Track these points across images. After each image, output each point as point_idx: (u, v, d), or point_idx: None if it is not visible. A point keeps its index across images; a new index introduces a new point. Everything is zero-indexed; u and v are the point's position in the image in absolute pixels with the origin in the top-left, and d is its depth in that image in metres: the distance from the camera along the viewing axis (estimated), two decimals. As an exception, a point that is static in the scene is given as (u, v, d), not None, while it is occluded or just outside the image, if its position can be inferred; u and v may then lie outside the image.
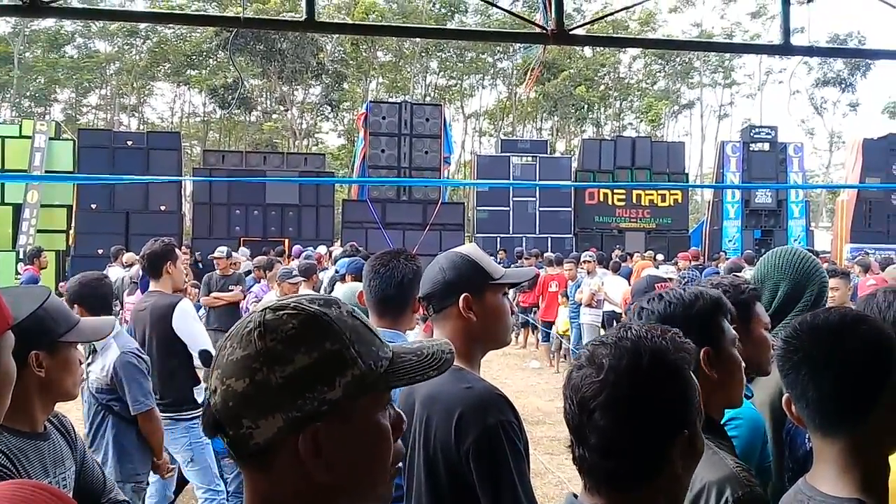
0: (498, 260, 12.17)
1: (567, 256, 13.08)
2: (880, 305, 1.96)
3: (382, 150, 19.47)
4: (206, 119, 44.86)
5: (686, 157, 24.40)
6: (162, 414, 4.46)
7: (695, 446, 1.22)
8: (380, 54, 41.68)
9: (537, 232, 20.33)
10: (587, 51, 41.90)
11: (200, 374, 4.73)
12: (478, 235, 20.01)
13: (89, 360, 3.78)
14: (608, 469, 1.20)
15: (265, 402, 0.92)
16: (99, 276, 4.01)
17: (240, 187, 18.57)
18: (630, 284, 9.81)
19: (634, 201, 21.23)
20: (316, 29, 5.40)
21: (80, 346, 2.03)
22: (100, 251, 15.87)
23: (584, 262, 11.44)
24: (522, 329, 14.36)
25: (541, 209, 20.59)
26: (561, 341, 11.95)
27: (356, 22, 26.30)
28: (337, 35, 34.43)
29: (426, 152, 19.66)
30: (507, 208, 20.53)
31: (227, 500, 4.71)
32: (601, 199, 21.09)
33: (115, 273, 11.22)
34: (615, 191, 21.03)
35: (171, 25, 37.81)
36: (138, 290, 8.48)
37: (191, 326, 4.55)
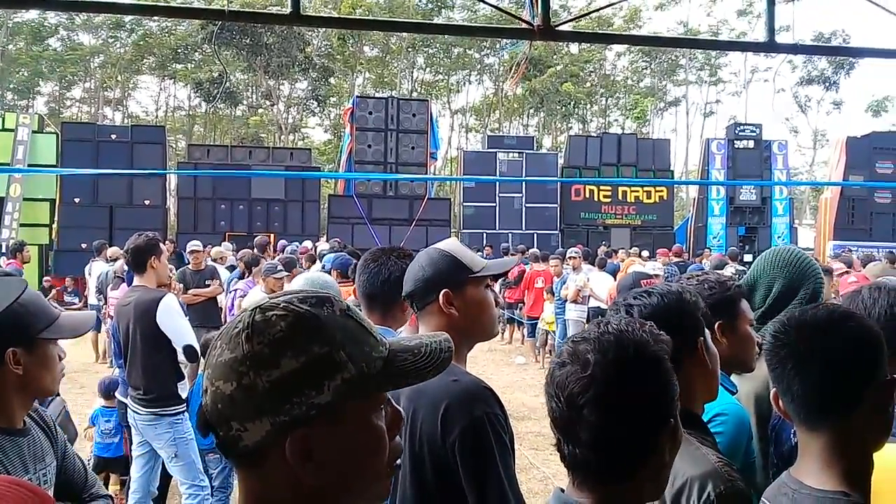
0: (484, 256, 12.17)
1: (553, 252, 13.11)
2: (865, 302, 1.96)
3: (369, 146, 19.44)
4: (191, 113, 44.61)
5: (672, 154, 24.53)
6: (146, 409, 4.45)
7: (678, 434, 1.24)
8: (366, 49, 41.57)
9: (523, 228, 20.37)
10: (573, 47, 41.95)
11: (185, 369, 4.71)
12: (464, 231, 20.04)
13: None
14: (599, 464, 1.20)
15: (252, 406, 0.90)
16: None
17: (225, 182, 18.49)
18: (616, 281, 9.84)
19: (620, 198, 21.32)
20: (302, 22, 5.37)
21: (59, 341, 1.99)
22: (83, 245, 15.78)
23: (570, 258, 11.47)
24: (508, 325, 14.37)
25: (527, 205, 20.63)
26: (546, 337, 11.98)
27: (342, 16, 26.21)
28: (323, 29, 34.32)
29: (413, 148, 19.66)
30: (494, 204, 20.55)
31: (212, 496, 4.69)
32: (587, 195, 21.17)
33: (98, 268, 11.16)
34: (601, 187, 21.12)
35: (155, 18, 37.49)
36: (123, 285, 8.42)
37: (175, 322, 4.51)
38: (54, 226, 18.23)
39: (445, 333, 1.07)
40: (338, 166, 23.53)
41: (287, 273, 6.83)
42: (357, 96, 22.12)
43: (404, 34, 36.22)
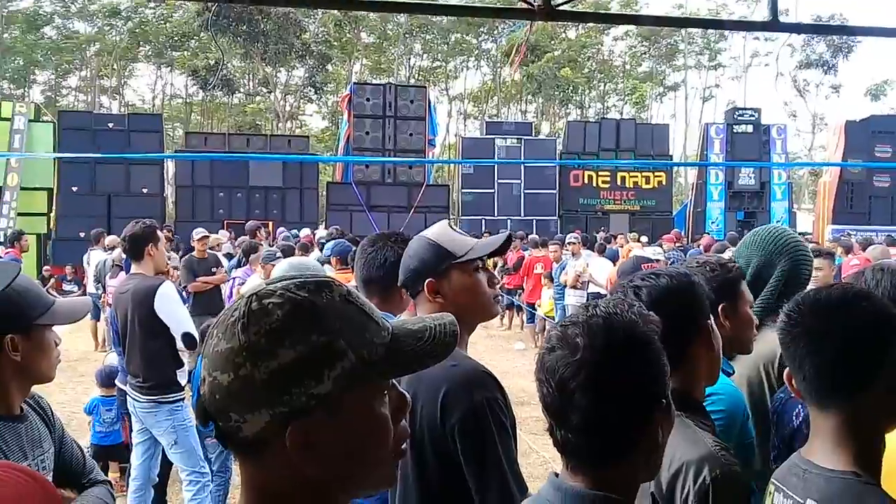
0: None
1: (552, 238, 13.10)
2: (869, 283, 1.96)
3: (367, 133, 19.39)
4: (188, 101, 44.46)
5: (670, 139, 24.47)
6: (145, 397, 4.44)
7: (671, 414, 1.23)
8: (364, 36, 41.38)
9: (522, 214, 20.35)
10: (571, 32, 41.77)
11: (184, 356, 4.70)
12: (463, 218, 20.01)
13: None
14: (592, 447, 1.19)
15: (250, 397, 0.87)
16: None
17: (223, 170, 18.44)
18: (617, 266, 9.84)
19: (619, 183, 21.30)
20: (297, 4, 5.32)
21: (55, 328, 1.98)
22: (81, 234, 15.75)
23: (569, 243, 11.46)
24: (507, 311, 14.38)
25: (526, 191, 20.60)
26: (545, 322, 11.99)
27: None
28: (320, 15, 34.16)
29: (410, 134, 19.61)
30: (492, 190, 20.51)
31: (211, 480, 4.69)
32: (586, 181, 21.15)
33: (96, 256, 11.14)
34: (600, 173, 21.09)
35: (151, 4, 37.35)
36: (121, 273, 8.39)
37: (173, 309, 4.49)
38: (52, 215, 18.19)
39: (451, 315, 1.02)
40: (336, 153, 23.48)
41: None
42: (354, 83, 22.07)
43: (401, 19, 36.07)
